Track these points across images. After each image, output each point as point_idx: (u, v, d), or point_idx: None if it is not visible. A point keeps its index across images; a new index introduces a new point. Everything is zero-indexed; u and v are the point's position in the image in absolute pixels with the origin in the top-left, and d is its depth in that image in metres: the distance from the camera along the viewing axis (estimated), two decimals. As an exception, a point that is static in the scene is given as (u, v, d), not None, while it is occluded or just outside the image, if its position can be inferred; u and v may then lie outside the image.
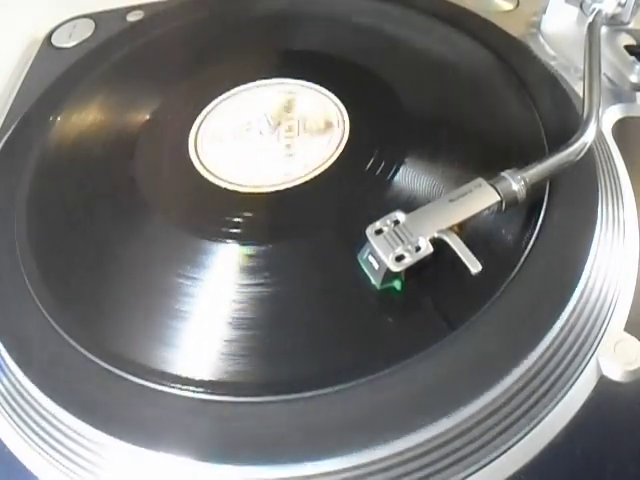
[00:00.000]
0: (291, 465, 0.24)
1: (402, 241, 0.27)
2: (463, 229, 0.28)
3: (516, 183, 0.29)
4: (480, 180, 0.29)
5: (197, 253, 0.31)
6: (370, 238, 0.28)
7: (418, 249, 0.27)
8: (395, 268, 0.27)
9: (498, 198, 0.28)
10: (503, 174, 0.29)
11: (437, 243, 0.27)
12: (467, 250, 0.26)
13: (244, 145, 0.36)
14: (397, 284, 0.28)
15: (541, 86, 0.36)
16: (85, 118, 0.39)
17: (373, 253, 0.28)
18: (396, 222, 0.28)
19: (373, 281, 0.28)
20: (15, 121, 0.40)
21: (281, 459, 0.24)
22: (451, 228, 0.27)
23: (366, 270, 0.28)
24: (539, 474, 0.25)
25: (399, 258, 0.27)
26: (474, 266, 0.26)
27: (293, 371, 0.27)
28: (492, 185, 0.29)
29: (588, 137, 0.30)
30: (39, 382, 0.28)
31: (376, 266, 0.28)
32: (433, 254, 0.27)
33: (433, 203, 0.29)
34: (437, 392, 0.25)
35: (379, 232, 0.28)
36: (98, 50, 0.45)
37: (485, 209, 0.28)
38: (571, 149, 0.30)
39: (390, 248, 0.27)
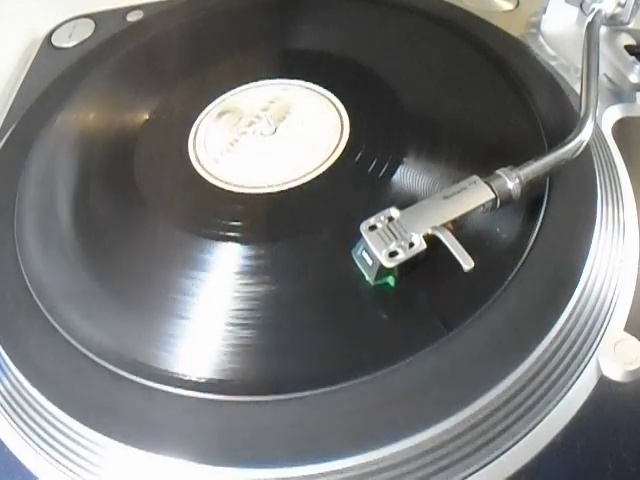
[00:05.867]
0: (291, 465, 0.24)
1: (395, 237, 0.27)
2: (457, 226, 0.28)
3: (511, 181, 0.29)
4: (475, 177, 0.29)
5: (197, 253, 0.31)
6: (364, 234, 0.28)
7: (411, 245, 0.27)
8: (388, 264, 0.27)
9: (492, 196, 0.28)
10: (498, 172, 0.29)
11: (431, 240, 0.27)
12: (460, 247, 0.26)
13: (244, 145, 0.36)
14: (390, 280, 0.28)
15: (541, 86, 0.36)
16: (85, 118, 0.40)
17: (367, 249, 0.28)
18: (390, 218, 0.28)
19: (367, 277, 0.28)
20: (15, 121, 0.40)
21: (281, 459, 0.24)
22: (445, 225, 0.27)
23: (360, 266, 0.28)
24: (539, 474, 0.25)
25: (392, 254, 0.27)
26: (467, 263, 0.26)
27: (292, 371, 0.27)
28: (487, 182, 0.29)
29: (585, 135, 0.30)
30: (39, 382, 0.28)
31: (370, 262, 0.28)
32: (434, 255, 0.27)
33: (427, 200, 0.29)
34: (437, 392, 0.25)
35: (373, 228, 0.28)
36: (98, 50, 0.45)
37: (479, 206, 0.28)
38: (567, 147, 0.30)
39: (383, 244, 0.27)
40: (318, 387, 0.26)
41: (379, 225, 0.28)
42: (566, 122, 0.33)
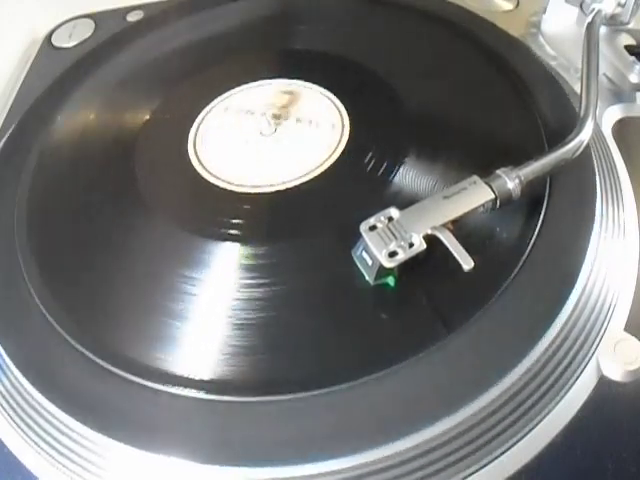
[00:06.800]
0: (291, 465, 0.24)
1: (395, 237, 0.27)
2: (457, 226, 0.28)
3: (511, 181, 0.29)
4: (475, 177, 0.29)
5: (197, 253, 0.31)
6: (364, 234, 0.28)
7: (411, 245, 0.27)
8: (388, 264, 0.27)
9: (492, 196, 0.28)
10: (498, 172, 0.29)
11: (431, 240, 0.27)
12: (460, 247, 0.26)
13: (244, 145, 0.36)
14: (390, 280, 0.28)
15: (541, 86, 0.36)
16: (85, 118, 0.39)
17: (366, 249, 0.28)
18: (390, 218, 0.28)
19: (367, 277, 0.28)
20: (15, 121, 0.40)
21: (281, 459, 0.24)
22: (445, 225, 0.27)
23: (360, 266, 0.28)
24: (539, 474, 0.25)
25: (392, 254, 0.27)
26: (466, 263, 0.26)
27: (292, 371, 0.27)
28: (487, 183, 0.29)
29: (585, 135, 0.30)
30: (39, 382, 0.28)
31: (369, 262, 0.28)
32: (434, 255, 0.27)
33: (427, 200, 0.29)
34: (437, 392, 0.25)
35: (373, 228, 0.28)
36: (98, 50, 0.45)
37: (479, 206, 0.28)
38: (567, 147, 0.30)
39: (383, 244, 0.27)
40: (318, 388, 0.26)
41: (379, 225, 0.28)
42: (566, 122, 0.33)
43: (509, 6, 0.46)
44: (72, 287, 0.31)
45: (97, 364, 0.28)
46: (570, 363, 0.27)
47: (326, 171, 0.33)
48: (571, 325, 0.27)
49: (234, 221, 0.32)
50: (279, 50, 0.43)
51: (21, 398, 0.28)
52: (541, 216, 0.30)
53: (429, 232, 0.27)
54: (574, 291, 0.28)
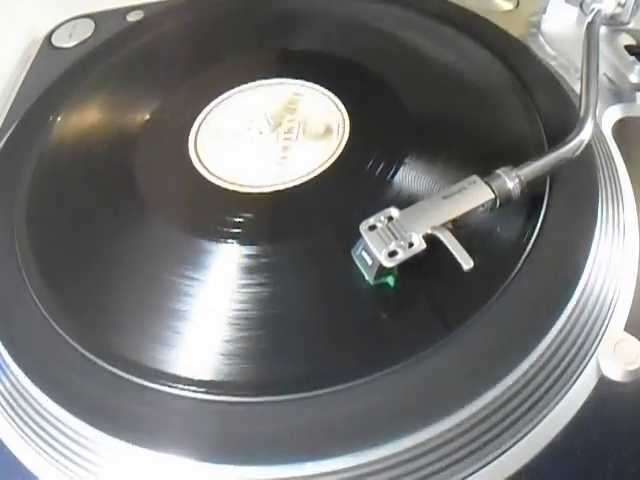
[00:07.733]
0: (290, 465, 0.24)
1: (395, 237, 0.27)
2: (457, 226, 0.28)
3: (511, 180, 0.29)
4: (474, 177, 0.29)
5: (197, 253, 0.31)
6: (364, 234, 0.28)
7: (411, 245, 0.27)
8: (388, 264, 0.27)
9: (492, 195, 0.28)
10: (498, 172, 0.29)
11: (431, 240, 0.27)
12: (460, 246, 0.26)
13: (244, 145, 0.36)
14: (390, 280, 0.28)
15: (541, 86, 0.36)
16: (85, 118, 0.40)
17: (366, 249, 0.28)
18: (390, 218, 0.28)
19: (367, 277, 0.28)
20: (15, 121, 0.40)
21: (280, 459, 0.24)
22: (444, 225, 0.27)
23: (360, 266, 0.28)
24: (539, 474, 0.25)
25: (392, 254, 0.27)
26: (466, 262, 0.26)
27: (292, 371, 0.27)
28: (486, 182, 0.29)
29: (585, 135, 0.30)
30: (39, 382, 0.28)
31: (369, 262, 0.28)
32: (434, 255, 0.27)
33: (427, 200, 0.29)
34: (437, 392, 0.25)
35: (373, 228, 0.28)
36: (98, 50, 0.45)
37: (479, 206, 0.28)
38: (567, 147, 0.30)
39: (383, 244, 0.27)
40: (318, 388, 0.26)
41: (379, 225, 0.28)
42: (566, 122, 0.33)
43: (509, 6, 0.46)
44: (72, 287, 0.31)
45: (97, 364, 0.28)
46: (570, 363, 0.27)
47: (326, 171, 0.33)
48: (571, 325, 0.27)
49: (234, 221, 0.32)
50: (279, 50, 0.43)
51: (21, 398, 0.28)
52: (541, 216, 0.30)
53: (429, 232, 0.27)
54: (575, 291, 0.28)
